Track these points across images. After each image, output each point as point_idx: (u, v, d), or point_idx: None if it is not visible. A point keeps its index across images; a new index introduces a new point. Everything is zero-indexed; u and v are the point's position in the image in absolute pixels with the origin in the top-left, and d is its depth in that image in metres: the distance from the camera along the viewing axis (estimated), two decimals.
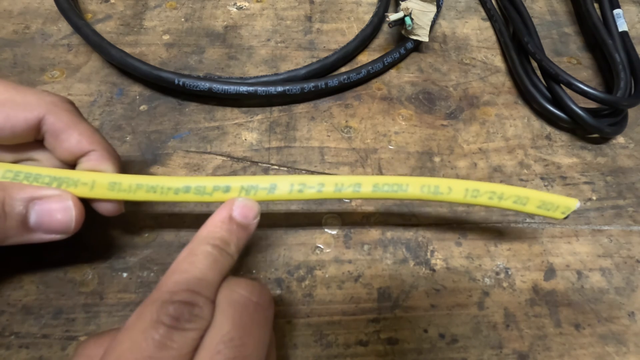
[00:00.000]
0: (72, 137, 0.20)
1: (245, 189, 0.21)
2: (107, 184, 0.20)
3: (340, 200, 0.27)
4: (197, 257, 0.18)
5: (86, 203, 0.21)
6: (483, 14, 0.38)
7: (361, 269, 0.25)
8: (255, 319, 0.17)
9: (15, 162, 0.21)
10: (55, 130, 0.20)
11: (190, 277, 0.17)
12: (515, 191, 0.22)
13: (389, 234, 0.26)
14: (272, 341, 0.19)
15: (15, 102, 0.20)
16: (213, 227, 0.19)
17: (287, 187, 0.21)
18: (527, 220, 0.27)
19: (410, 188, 0.21)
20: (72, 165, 0.21)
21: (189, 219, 0.26)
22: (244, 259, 0.25)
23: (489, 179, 0.29)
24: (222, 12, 0.36)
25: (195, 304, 0.16)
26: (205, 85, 0.29)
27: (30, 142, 0.21)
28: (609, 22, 0.34)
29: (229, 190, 0.21)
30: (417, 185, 0.21)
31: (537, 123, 0.32)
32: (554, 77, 0.30)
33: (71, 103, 0.22)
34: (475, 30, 0.37)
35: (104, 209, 0.21)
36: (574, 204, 0.21)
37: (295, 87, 0.30)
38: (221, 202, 0.20)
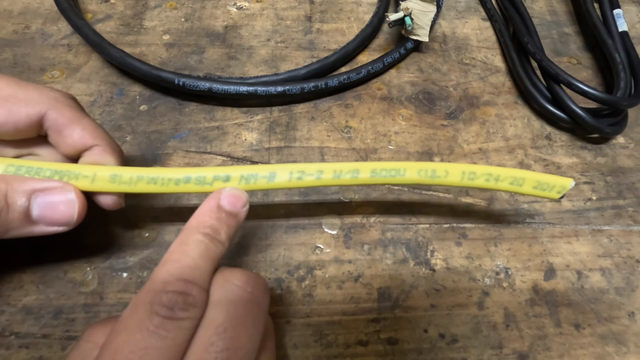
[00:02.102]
0: (75, 133, 0.20)
1: (245, 178, 0.21)
2: (108, 177, 0.20)
3: (340, 199, 0.27)
4: (189, 246, 0.18)
5: (87, 197, 0.21)
6: (483, 14, 0.38)
7: (361, 269, 0.25)
8: (249, 309, 0.17)
9: (18, 157, 0.21)
10: (58, 125, 0.20)
11: (183, 266, 0.17)
12: (511, 173, 0.22)
13: (389, 234, 0.26)
14: (270, 331, 0.19)
15: (18, 98, 0.20)
16: (202, 217, 0.19)
17: (286, 175, 0.21)
18: (527, 220, 0.27)
19: (407, 172, 0.22)
20: (75, 160, 0.21)
21: (189, 218, 0.26)
22: (244, 259, 0.25)
23: None
24: (222, 12, 0.36)
25: (189, 293, 0.16)
26: (205, 85, 0.29)
27: (33, 137, 0.21)
28: (609, 22, 0.34)
29: (229, 179, 0.21)
30: (415, 170, 0.22)
31: (537, 123, 0.32)
32: (554, 77, 0.30)
33: (73, 98, 0.22)
34: (475, 30, 0.37)
35: (105, 202, 0.21)
36: (569, 183, 0.22)
37: (295, 87, 0.30)
38: None
